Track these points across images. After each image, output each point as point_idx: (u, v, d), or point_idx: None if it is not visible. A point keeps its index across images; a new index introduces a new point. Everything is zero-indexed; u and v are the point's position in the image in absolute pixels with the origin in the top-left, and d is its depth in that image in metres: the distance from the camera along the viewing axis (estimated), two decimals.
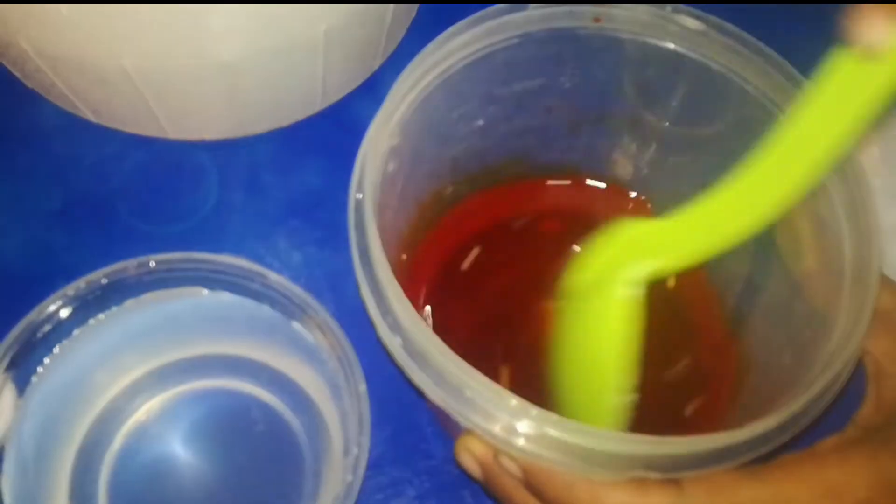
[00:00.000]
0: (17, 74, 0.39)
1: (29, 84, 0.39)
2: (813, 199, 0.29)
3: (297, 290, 0.30)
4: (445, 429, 0.35)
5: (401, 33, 0.42)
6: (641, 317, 0.27)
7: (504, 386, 0.24)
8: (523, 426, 0.24)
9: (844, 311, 0.27)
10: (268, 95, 0.38)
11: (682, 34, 0.31)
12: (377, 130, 0.27)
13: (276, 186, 0.40)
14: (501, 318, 0.35)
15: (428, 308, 0.35)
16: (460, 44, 0.29)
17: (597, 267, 0.28)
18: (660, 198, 0.36)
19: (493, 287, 0.35)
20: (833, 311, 0.27)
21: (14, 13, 0.32)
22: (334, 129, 0.41)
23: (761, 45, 0.30)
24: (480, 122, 0.33)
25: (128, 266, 0.30)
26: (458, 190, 0.35)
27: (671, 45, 0.31)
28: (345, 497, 0.27)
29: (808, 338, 0.28)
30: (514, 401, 0.23)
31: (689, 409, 0.33)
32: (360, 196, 0.27)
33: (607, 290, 0.27)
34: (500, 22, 0.30)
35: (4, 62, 0.38)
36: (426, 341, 0.24)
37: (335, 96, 0.41)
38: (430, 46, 0.28)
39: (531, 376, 0.31)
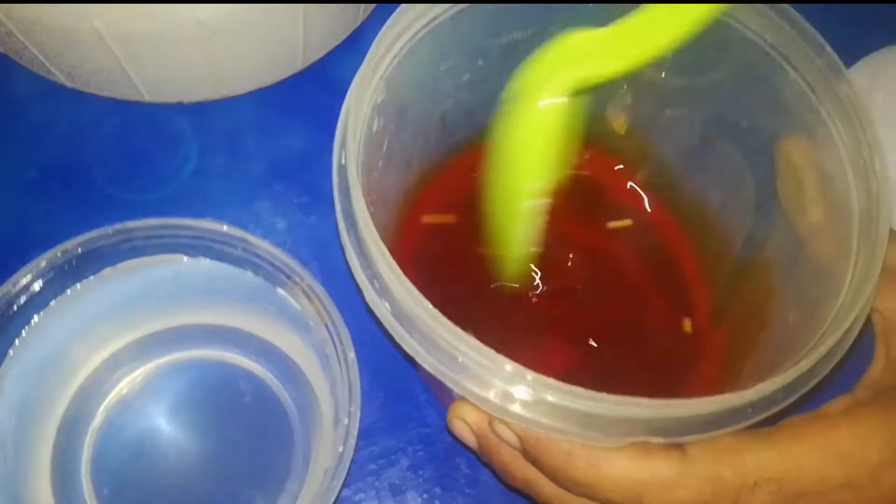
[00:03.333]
0: None
1: (0, 49, 0.37)
2: (817, 150, 0.28)
3: (280, 255, 0.29)
4: (438, 397, 0.34)
5: None
6: (566, 123, 0.27)
7: None
8: (519, 392, 0.23)
9: (852, 267, 0.26)
10: (247, 55, 0.36)
11: None
12: (360, 86, 0.26)
13: (257, 150, 0.38)
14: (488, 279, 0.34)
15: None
16: None
17: (532, 74, 0.27)
18: (657, 150, 0.35)
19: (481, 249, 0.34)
20: (840, 268, 0.26)
21: None
22: (316, 89, 0.40)
23: None
24: (468, 76, 0.31)
25: (104, 233, 0.28)
26: (447, 149, 0.34)
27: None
28: (336, 468, 0.26)
29: (813, 295, 0.27)
30: (510, 366, 0.22)
31: (683, 374, 0.32)
32: (344, 156, 0.25)
33: (536, 95, 0.26)
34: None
35: None
36: (416, 306, 0.23)
37: (316, 54, 0.39)
38: None
39: (520, 344, 0.30)
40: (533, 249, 0.29)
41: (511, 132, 0.27)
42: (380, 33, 0.26)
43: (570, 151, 0.27)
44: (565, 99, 0.26)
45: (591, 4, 0.30)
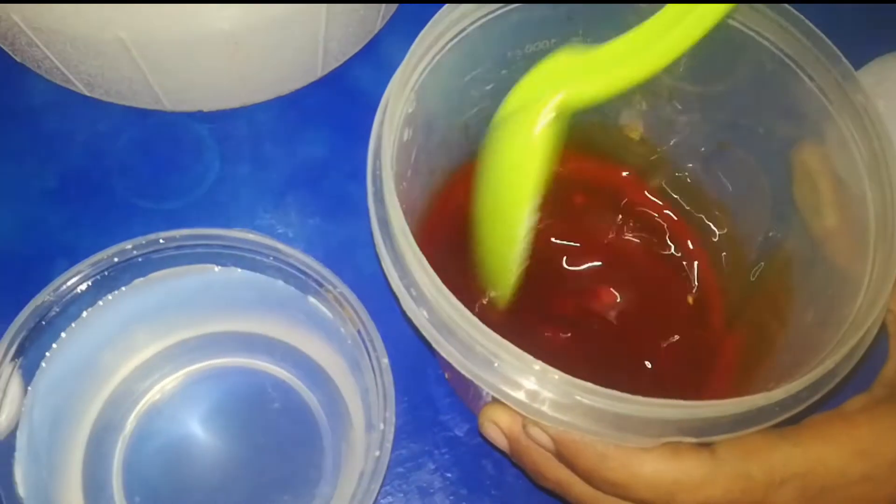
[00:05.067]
0: (7, 49, 0.37)
1: (18, 58, 0.38)
2: (832, 155, 0.29)
3: (312, 263, 0.29)
4: (464, 401, 0.34)
5: None
6: (556, 147, 0.26)
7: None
8: (554, 395, 0.23)
9: (869, 269, 0.27)
10: (268, 64, 0.36)
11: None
12: (394, 97, 0.26)
13: (278, 157, 0.39)
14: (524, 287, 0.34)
15: None
16: (474, 6, 0.28)
17: (522, 94, 0.27)
18: (673, 157, 0.36)
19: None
20: (857, 270, 0.27)
21: None
22: (335, 96, 0.40)
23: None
24: (493, 86, 0.32)
25: (137, 243, 0.29)
26: (468, 156, 0.35)
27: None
28: (372, 472, 0.26)
29: (831, 296, 0.28)
30: (544, 369, 0.23)
31: (701, 374, 0.33)
32: (379, 166, 0.26)
33: (529, 112, 0.26)
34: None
35: None
36: (453, 313, 0.24)
37: (335, 62, 0.40)
38: (445, 9, 0.27)
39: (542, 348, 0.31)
40: (522, 267, 0.29)
41: (499, 154, 0.28)
42: (413, 46, 0.27)
43: (557, 170, 0.27)
44: (553, 120, 0.26)
45: (610, 16, 0.31)
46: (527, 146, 0.26)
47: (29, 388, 0.29)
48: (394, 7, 0.40)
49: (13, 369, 0.28)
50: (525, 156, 0.26)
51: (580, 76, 0.26)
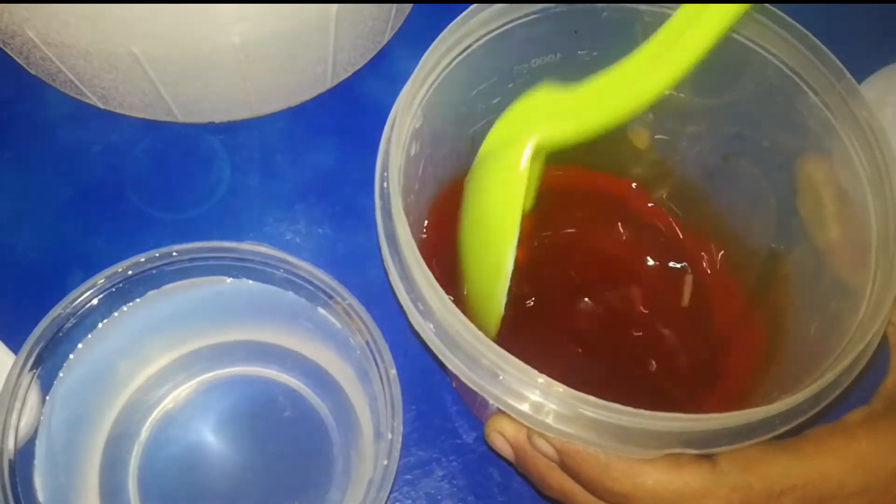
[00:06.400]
0: (21, 62, 0.38)
1: (33, 71, 0.38)
2: (836, 170, 0.29)
3: (322, 276, 0.30)
4: (471, 409, 0.35)
5: (408, 8, 0.41)
6: (533, 184, 0.27)
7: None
8: (558, 407, 0.24)
9: (871, 282, 0.27)
10: (279, 76, 0.37)
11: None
12: (402, 114, 0.27)
13: (288, 167, 0.39)
14: (529, 295, 0.35)
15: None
16: (481, 21, 0.29)
17: (500, 133, 0.27)
18: (679, 167, 0.36)
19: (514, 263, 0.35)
20: (859, 283, 0.27)
21: (21, 3, 0.31)
22: (344, 107, 0.41)
23: (782, 14, 0.29)
24: (499, 99, 0.32)
25: (151, 256, 0.29)
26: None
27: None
28: (381, 480, 0.27)
29: (833, 309, 0.28)
30: (548, 382, 0.23)
31: (707, 383, 0.33)
32: (386, 181, 0.26)
33: (506, 153, 0.26)
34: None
35: (8, 51, 0.37)
36: (459, 326, 0.24)
37: (344, 73, 0.40)
38: (452, 25, 0.28)
39: (548, 359, 0.31)
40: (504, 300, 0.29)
41: (480, 194, 0.28)
42: (420, 62, 0.27)
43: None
44: (531, 158, 0.26)
45: (615, 30, 0.31)
46: (506, 185, 0.26)
47: (47, 397, 0.29)
48: (402, 19, 0.41)
49: (32, 379, 0.28)
50: (505, 195, 0.26)
51: (560, 115, 0.26)
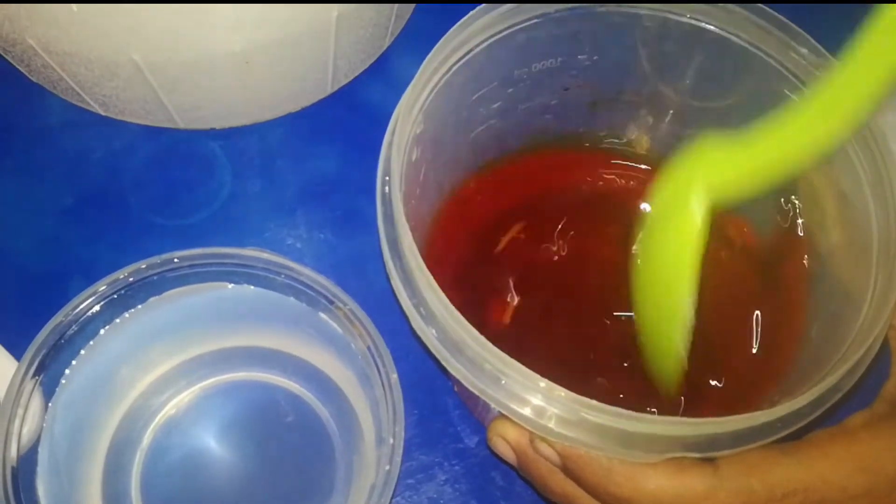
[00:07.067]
0: (22, 70, 0.38)
1: (34, 79, 0.39)
2: (837, 174, 0.29)
3: (323, 281, 0.30)
4: (473, 413, 0.35)
5: (408, 13, 0.41)
6: (704, 242, 0.26)
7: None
8: (560, 411, 0.24)
9: (871, 286, 0.27)
10: (279, 82, 0.37)
11: (701, 8, 0.30)
12: (403, 119, 0.27)
13: (289, 173, 0.39)
14: (532, 299, 0.35)
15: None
16: (481, 26, 0.29)
17: (668, 192, 0.27)
18: None
19: (517, 267, 0.35)
20: (860, 287, 0.27)
21: (21, 11, 0.31)
22: (345, 112, 0.41)
23: (782, 17, 0.30)
24: (499, 104, 0.32)
25: (152, 263, 0.29)
26: (474, 170, 0.35)
27: (689, 19, 0.31)
28: (383, 485, 0.27)
29: (835, 312, 0.28)
30: (550, 387, 0.23)
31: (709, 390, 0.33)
32: (388, 187, 0.27)
33: (675, 214, 0.26)
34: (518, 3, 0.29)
35: (9, 58, 0.37)
36: (461, 331, 0.24)
37: (345, 79, 0.40)
38: (452, 31, 0.28)
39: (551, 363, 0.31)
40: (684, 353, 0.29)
41: (653, 249, 0.28)
42: (420, 68, 0.28)
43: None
44: (703, 214, 0.26)
45: (616, 36, 0.31)
46: (685, 244, 0.26)
47: (49, 404, 0.29)
48: (402, 24, 0.41)
49: (34, 386, 0.28)
50: (683, 252, 0.26)
51: (732, 171, 0.25)
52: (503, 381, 0.24)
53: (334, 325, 0.31)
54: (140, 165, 0.39)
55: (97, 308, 0.30)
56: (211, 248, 0.30)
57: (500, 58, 0.30)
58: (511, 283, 0.34)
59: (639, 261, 0.29)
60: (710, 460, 0.25)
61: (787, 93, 0.30)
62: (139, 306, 0.31)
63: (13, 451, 0.27)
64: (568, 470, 0.26)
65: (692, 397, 0.32)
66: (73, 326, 0.29)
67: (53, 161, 0.39)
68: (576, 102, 0.34)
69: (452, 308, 0.24)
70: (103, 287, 0.29)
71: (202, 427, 0.33)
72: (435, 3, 0.42)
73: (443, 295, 0.25)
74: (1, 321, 0.32)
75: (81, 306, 0.29)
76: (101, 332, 0.30)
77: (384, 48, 0.41)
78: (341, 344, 0.31)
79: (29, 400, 0.28)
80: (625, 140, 0.36)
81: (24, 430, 0.28)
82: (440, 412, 0.35)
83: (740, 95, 0.33)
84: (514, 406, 0.24)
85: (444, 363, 0.25)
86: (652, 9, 0.31)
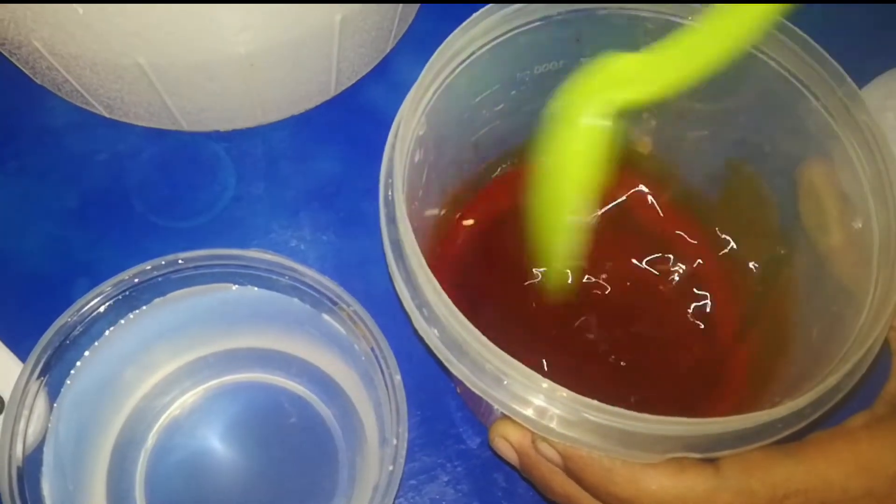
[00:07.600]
0: (27, 72, 0.38)
1: (39, 81, 0.39)
2: (837, 175, 0.29)
3: (327, 283, 0.30)
4: (476, 414, 0.35)
5: (412, 15, 0.41)
6: (605, 146, 0.27)
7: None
8: (562, 412, 0.24)
9: (872, 287, 0.27)
10: (283, 85, 0.37)
11: (703, 10, 0.30)
12: (405, 122, 0.27)
13: (293, 175, 0.40)
14: (529, 297, 0.35)
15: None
16: (483, 29, 0.29)
17: (574, 96, 0.28)
18: (681, 172, 0.36)
19: (518, 268, 0.36)
20: (860, 287, 0.27)
21: (27, 13, 0.31)
22: (348, 114, 0.41)
23: (784, 20, 0.30)
24: (502, 106, 0.32)
25: (157, 264, 0.30)
26: (478, 173, 0.35)
27: (691, 22, 0.31)
28: (386, 486, 0.27)
29: (835, 313, 0.29)
30: (552, 387, 0.24)
31: (710, 388, 0.33)
32: (391, 189, 0.27)
33: (579, 116, 0.27)
34: (521, 5, 0.29)
35: (14, 60, 0.38)
36: (464, 332, 0.24)
37: (348, 81, 0.40)
38: (455, 34, 0.28)
39: (551, 364, 0.32)
40: (575, 263, 0.31)
41: (552, 151, 0.28)
42: (423, 71, 0.28)
43: (608, 171, 0.28)
44: (605, 120, 0.27)
45: (619, 37, 0.31)
46: (578, 144, 0.27)
47: (55, 404, 0.30)
48: (405, 27, 0.41)
49: (39, 386, 0.29)
50: (576, 153, 0.27)
51: (633, 78, 0.27)
52: (505, 382, 0.24)
53: (338, 326, 0.31)
54: (144, 167, 0.39)
55: (102, 309, 0.30)
56: (215, 250, 0.30)
57: (502, 60, 0.30)
58: (511, 286, 0.35)
59: (537, 168, 0.29)
60: (712, 461, 0.25)
61: (788, 93, 0.30)
62: (144, 307, 0.31)
63: (18, 451, 0.27)
64: (570, 470, 0.26)
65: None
66: (79, 327, 0.30)
67: (58, 163, 0.39)
68: None
69: (455, 309, 0.25)
70: (108, 288, 0.30)
71: (206, 428, 0.33)
72: (437, 4, 0.42)
73: (445, 296, 0.25)
74: (6, 322, 0.33)
75: (86, 307, 0.29)
76: (106, 333, 0.31)
77: (387, 51, 0.41)
78: (345, 345, 0.31)
79: (34, 400, 0.28)
80: (627, 144, 0.37)
81: (30, 431, 0.28)
82: (443, 413, 0.35)
83: (743, 97, 0.33)
84: (516, 406, 0.24)
85: (446, 364, 0.25)
86: (654, 11, 0.31)
